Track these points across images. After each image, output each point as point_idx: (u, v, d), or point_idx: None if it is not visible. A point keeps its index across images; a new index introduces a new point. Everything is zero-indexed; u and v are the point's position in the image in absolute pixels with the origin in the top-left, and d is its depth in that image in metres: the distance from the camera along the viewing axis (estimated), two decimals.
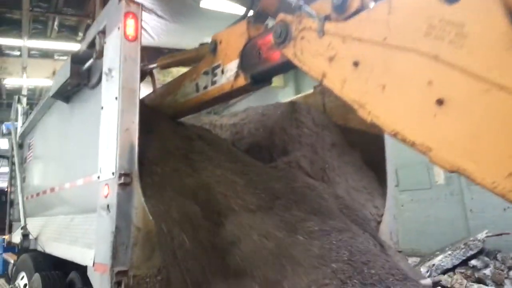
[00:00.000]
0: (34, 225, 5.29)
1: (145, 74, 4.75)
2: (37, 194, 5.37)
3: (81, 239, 3.19)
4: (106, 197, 2.62)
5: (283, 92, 13.12)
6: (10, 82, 12.08)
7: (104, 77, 2.88)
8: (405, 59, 1.86)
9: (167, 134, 3.65)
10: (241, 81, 3.09)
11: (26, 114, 6.75)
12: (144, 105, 4.18)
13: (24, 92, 10.75)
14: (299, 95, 6.11)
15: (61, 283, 3.91)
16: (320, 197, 3.65)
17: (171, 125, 4.00)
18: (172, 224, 2.63)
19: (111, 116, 2.69)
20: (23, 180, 6.33)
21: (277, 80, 15.44)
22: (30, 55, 9.87)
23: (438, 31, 1.68)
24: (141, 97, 4.51)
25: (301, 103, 5.23)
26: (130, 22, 2.71)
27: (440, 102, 1.70)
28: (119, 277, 2.37)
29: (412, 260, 7.38)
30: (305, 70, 2.48)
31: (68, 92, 4.02)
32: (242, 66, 3.09)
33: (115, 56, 2.73)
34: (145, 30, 8.41)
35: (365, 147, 4.70)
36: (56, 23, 9.54)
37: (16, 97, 6.90)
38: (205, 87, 3.56)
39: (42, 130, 5.65)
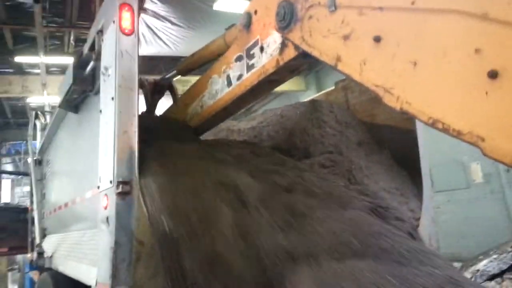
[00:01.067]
0: (52, 242, 5.14)
1: (163, 88, 4.42)
2: (54, 210, 5.25)
3: (88, 256, 2.96)
4: (105, 208, 2.37)
5: (304, 96, 12.81)
6: (32, 100, 12.26)
7: (101, 77, 2.66)
8: (442, 25, 1.51)
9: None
10: (290, 53, 2.41)
11: (44, 129, 6.70)
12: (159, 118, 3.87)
13: (47, 109, 10.84)
14: (320, 93, 5.77)
15: None
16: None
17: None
18: (179, 237, 2.34)
19: (109, 119, 2.45)
20: (43, 196, 6.25)
21: (298, 84, 15.15)
22: (49, 72, 9.91)
23: None
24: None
25: (322, 101, 4.90)
26: (126, 14, 2.47)
27: (493, 74, 1.33)
28: None
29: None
30: (316, 55, 2.14)
31: (75, 101, 3.83)
32: None
33: (111, 52, 2.50)
34: (160, 39, 8.33)
35: (396, 144, 4.30)
36: (72, 37, 9.56)
37: (33, 113, 6.84)
38: (240, 77, 2.90)
39: (56, 144, 5.55)
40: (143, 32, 8.39)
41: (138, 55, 2.50)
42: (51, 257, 4.50)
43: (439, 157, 9.61)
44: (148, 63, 10.42)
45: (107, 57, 2.61)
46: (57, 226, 5.11)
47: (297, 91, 14.26)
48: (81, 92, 3.55)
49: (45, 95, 9.49)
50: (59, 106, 4.04)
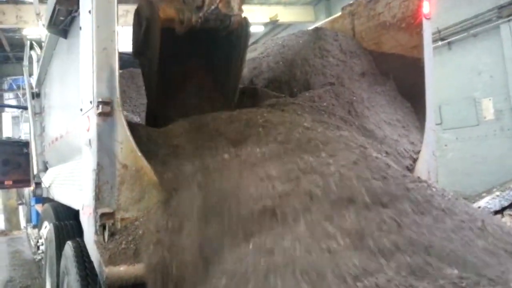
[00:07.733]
0: (52, 174, 5.16)
1: None
2: (52, 142, 5.21)
3: (77, 181, 2.92)
4: (88, 130, 2.27)
5: None
6: (28, 32, 11.72)
7: None
8: None
9: None
10: None
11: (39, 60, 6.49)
12: None
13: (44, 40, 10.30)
14: (325, 20, 5.43)
15: (75, 233, 3.73)
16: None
17: None
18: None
19: (87, 35, 2.26)
20: (42, 129, 6.19)
21: (307, 14, 14.27)
22: (42, 1, 9.34)
23: None
24: None
25: (326, 29, 4.59)
26: None
27: None
28: (103, 220, 2.06)
29: None
30: None
31: (62, 24, 3.61)
32: None
33: None
34: None
35: (401, 74, 4.07)
36: None
37: (28, 42, 6.57)
38: None
39: (51, 74, 5.39)
40: None
41: None
42: (49, 187, 4.51)
43: (449, 94, 9.30)
44: None
45: None
46: (57, 158, 5.10)
47: (305, 22, 13.50)
48: (67, 12, 3.32)
49: (40, 26, 8.98)
50: (48, 30, 3.82)
